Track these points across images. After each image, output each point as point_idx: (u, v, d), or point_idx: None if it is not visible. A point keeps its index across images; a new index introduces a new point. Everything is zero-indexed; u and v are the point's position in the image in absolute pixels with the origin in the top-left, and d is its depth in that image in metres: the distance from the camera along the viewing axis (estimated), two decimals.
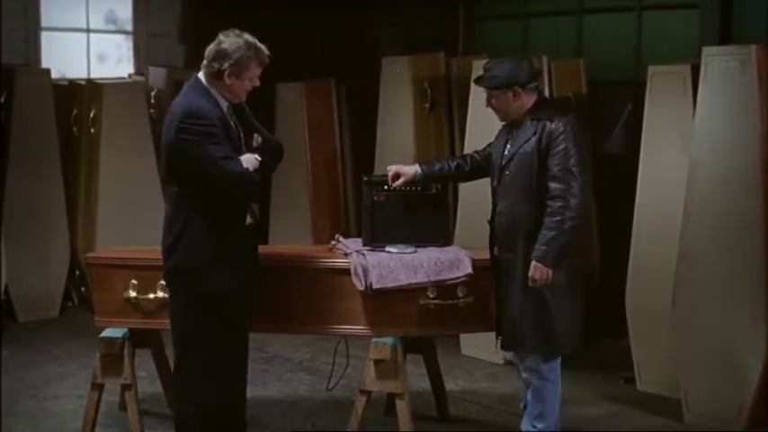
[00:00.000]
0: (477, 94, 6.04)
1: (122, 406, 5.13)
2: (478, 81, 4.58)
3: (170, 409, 5.37)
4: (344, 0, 8.44)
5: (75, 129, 7.48)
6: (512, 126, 4.54)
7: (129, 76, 8.39)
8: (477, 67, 6.26)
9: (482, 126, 5.27)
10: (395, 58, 7.32)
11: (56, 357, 6.37)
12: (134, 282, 4.84)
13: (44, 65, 7.99)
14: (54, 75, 7.63)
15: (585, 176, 4.39)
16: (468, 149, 5.65)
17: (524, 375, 4.55)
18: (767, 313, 5.00)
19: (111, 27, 8.80)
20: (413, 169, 4.80)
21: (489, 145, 4.73)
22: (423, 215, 4.90)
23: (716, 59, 5.20)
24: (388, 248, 4.80)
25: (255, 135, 4.46)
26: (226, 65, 4.22)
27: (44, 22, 8.22)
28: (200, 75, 4.32)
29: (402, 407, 4.69)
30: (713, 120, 5.23)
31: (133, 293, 4.84)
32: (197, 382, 4.36)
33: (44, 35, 8.23)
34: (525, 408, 4.65)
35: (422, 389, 5.48)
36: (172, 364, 5.35)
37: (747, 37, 5.84)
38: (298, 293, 4.75)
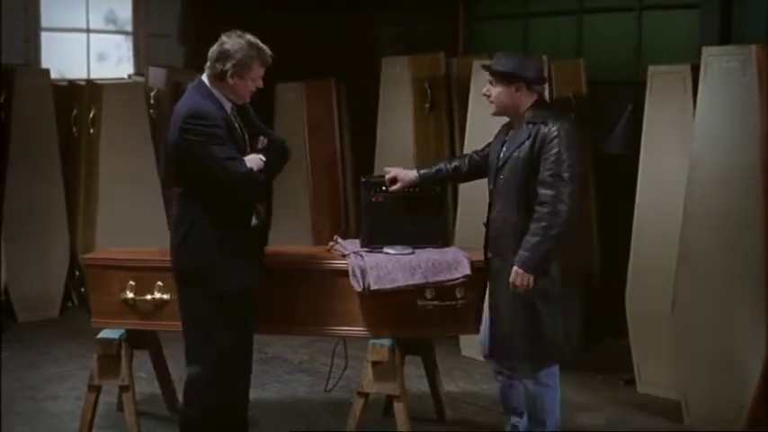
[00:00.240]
0: (478, 95, 6.02)
1: (120, 407, 5.10)
2: (486, 66, 4.48)
3: (168, 411, 5.38)
4: (344, 0, 8.42)
5: (74, 129, 7.47)
6: (509, 128, 4.51)
7: (129, 76, 8.38)
8: (477, 67, 6.28)
9: (482, 126, 5.26)
10: (395, 58, 7.31)
11: (55, 358, 6.36)
12: (131, 283, 4.83)
13: (44, 65, 7.99)
14: (54, 75, 7.63)
15: (577, 183, 4.28)
16: (467, 150, 5.63)
17: (523, 381, 4.50)
18: (767, 313, 4.98)
19: (111, 27, 8.80)
20: (410, 174, 4.78)
21: (488, 145, 4.67)
22: (421, 216, 4.88)
23: (716, 59, 5.18)
24: (386, 250, 4.79)
25: (261, 137, 4.46)
26: (228, 65, 4.23)
27: (44, 23, 8.22)
28: (204, 77, 4.33)
29: (400, 408, 4.68)
30: (713, 120, 5.21)
31: (130, 294, 4.83)
32: (205, 381, 4.35)
33: (44, 35, 8.23)
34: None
35: (420, 390, 5.47)
36: (171, 365, 5.42)
37: (747, 37, 5.82)
38: (295, 294, 4.74)
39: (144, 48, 8.74)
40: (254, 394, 4.69)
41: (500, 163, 4.42)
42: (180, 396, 5.35)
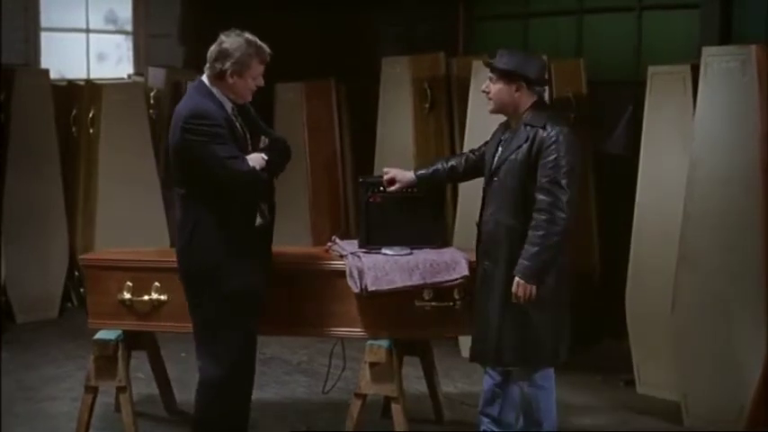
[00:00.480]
0: (477, 95, 6.00)
1: (118, 408, 5.07)
2: (488, 63, 4.44)
3: (166, 411, 5.37)
4: (344, 0, 8.41)
5: (74, 129, 7.47)
6: (506, 128, 4.48)
7: (129, 76, 8.37)
8: (477, 67, 6.28)
9: (482, 126, 5.24)
10: (395, 58, 7.29)
11: (54, 359, 6.35)
12: (128, 283, 4.81)
13: (44, 65, 7.98)
14: (54, 75, 7.63)
15: (575, 189, 4.23)
16: (467, 150, 5.61)
17: (518, 384, 4.47)
18: (767, 314, 4.96)
19: (111, 27, 8.79)
20: (408, 175, 4.75)
21: (486, 143, 4.64)
22: (419, 217, 4.86)
23: (716, 59, 5.17)
24: (383, 250, 4.76)
25: (262, 136, 4.44)
26: (228, 64, 4.22)
27: (44, 23, 8.21)
28: (204, 77, 4.32)
29: (397, 410, 4.66)
30: (713, 120, 5.19)
31: (127, 295, 4.81)
32: (219, 382, 4.35)
33: (44, 35, 8.22)
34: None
35: (419, 391, 5.46)
36: (168, 366, 5.41)
37: (748, 37, 5.81)
38: (293, 295, 4.71)
39: (144, 48, 8.74)
40: (252, 395, 4.67)
41: (495, 164, 4.39)
42: (178, 397, 5.38)
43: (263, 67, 4.32)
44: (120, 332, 4.84)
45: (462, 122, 6.66)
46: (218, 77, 4.27)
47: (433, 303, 4.67)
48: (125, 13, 8.76)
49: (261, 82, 4.34)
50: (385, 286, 4.60)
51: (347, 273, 4.64)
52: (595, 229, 6.61)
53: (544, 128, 4.26)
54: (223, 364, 4.33)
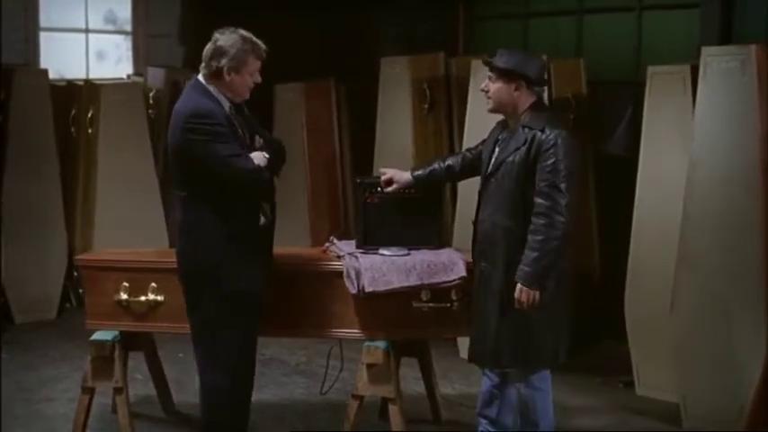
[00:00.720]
0: (477, 95, 5.99)
1: (115, 409, 5.07)
2: (487, 62, 4.42)
3: (164, 412, 5.36)
4: (344, 0, 8.40)
5: (73, 129, 7.45)
6: (504, 128, 4.45)
7: (128, 76, 8.36)
8: (476, 67, 6.26)
9: (481, 126, 5.20)
10: (394, 59, 7.28)
11: (52, 360, 6.34)
12: (125, 284, 4.80)
13: (43, 65, 7.96)
14: (53, 75, 7.62)
15: (574, 193, 4.20)
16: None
17: (515, 385, 4.45)
18: (767, 314, 4.94)
19: (111, 27, 8.78)
20: (406, 175, 4.74)
21: (483, 142, 4.62)
22: (416, 217, 4.84)
23: (715, 59, 5.15)
24: (381, 251, 4.75)
25: (257, 137, 4.42)
26: (224, 62, 4.20)
27: (43, 22, 8.19)
28: (200, 76, 4.30)
29: (394, 411, 4.65)
30: (713, 120, 5.18)
31: (124, 296, 4.80)
32: (223, 383, 4.33)
33: (43, 35, 8.20)
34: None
35: (417, 392, 5.44)
36: (166, 366, 5.39)
37: (748, 37, 5.78)
38: (290, 296, 4.70)
39: (143, 48, 8.72)
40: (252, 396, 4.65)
41: (493, 165, 4.37)
42: (175, 397, 5.36)
43: (260, 64, 4.30)
44: (116, 333, 4.83)
45: (461, 123, 6.64)
46: (214, 76, 4.24)
47: (431, 304, 4.66)
48: (124, 12, 8.75)
49: (258, 78, 4.31)
50: (382, 287, 4.58)
51: (344, 273, 4.63)
52: (595, 229, 6.59)
53: (543, 130, 4.23)
54: (223, 365, 4.32)
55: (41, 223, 7.26)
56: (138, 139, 7.37)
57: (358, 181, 4.96)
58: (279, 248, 4.63)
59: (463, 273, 4.62)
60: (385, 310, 4.66)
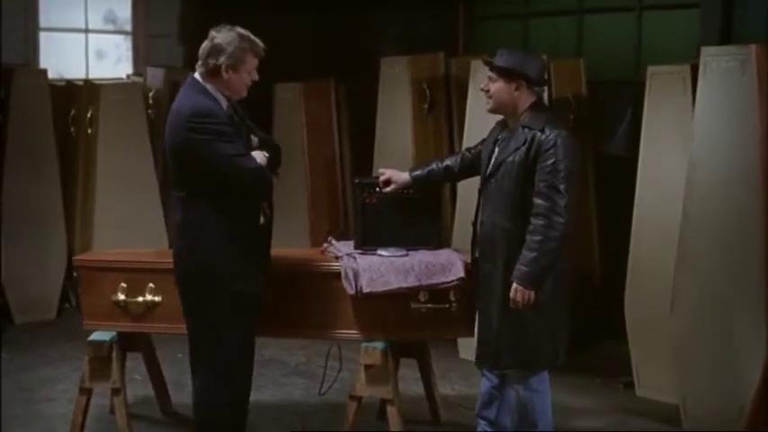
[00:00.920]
0: (476, 95, 5.98)
1: (113, 410, 5.06)
2: (488, 61, 4.40)
3: (162, 413, 5.35)
4: (344, 0, 8.39)
5: (72, 129, 7.44)
6: (503, 128, 4.44)
7: (128, 76, 8.35)
8: (476, 67, 6.25)
9: (481, 127, 5.19)
10: (393, 59, 7.27)
11: (51, 360, 6.33)
12: (123, 285, 4.79)
13: (43, 65, 7.94)
14: (53, 75, 7.61)
15: (574, 193, 4.18)
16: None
17: (514, 387, 4.44)
18: (767, 315, 4.92)
19: (110, 27, 8.76)
20: (404, 176, 4.73)
21: (482, 142, 4.61)
22: (415, 218, 4.83)
23: (715, 59, 5.13)
24: (379, 252, 4.74)
25: (252, 136, 4.40)
26: (222, 59, 4.17)
27: (43, 22, 8.17)
28: (197, 75, 4.26)
29: (392, 412, 4.64)
30: (713, 120, 5.16)
31: (122, 296, 4.79)
32: (223, 385, 4.32)
33: (43, 35, 8.18)
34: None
35: (416, 393, 5.43)
36: (165, 367, 5.38)
37: (748, 37, 5.76)
38: (288, 297, 4.68)
39: (143, 48, 8.70)
40: (250, 397, 4.64)
41: (492, 165, 4.35)
42: (174, 398, 5.35)
43: (258, 62, 4.27)
44: (114, 333, 4.82)
45: (461, 123, 6.63)
46: (212, 74, 4.21)
47: (429, 305, 4.65)
48: (124, 12, 8.73)
49: (255, 76, 4.28)
50: (380, 288, 4.57)
51: (342, 274, 4.62)
52: (595, 229, 6.58)
53: (542, 131, 4.22)
54: (223, 365, 4.30)
55: (41, 223, 7.25)
56: (138, 140, 7.36)
57: (356, 181, 4.95)
58: (277, 249, 4.62)
59: (461, 273, 4.60)
60: (383, 311, 4.65)
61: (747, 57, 5.00)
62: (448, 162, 4.74)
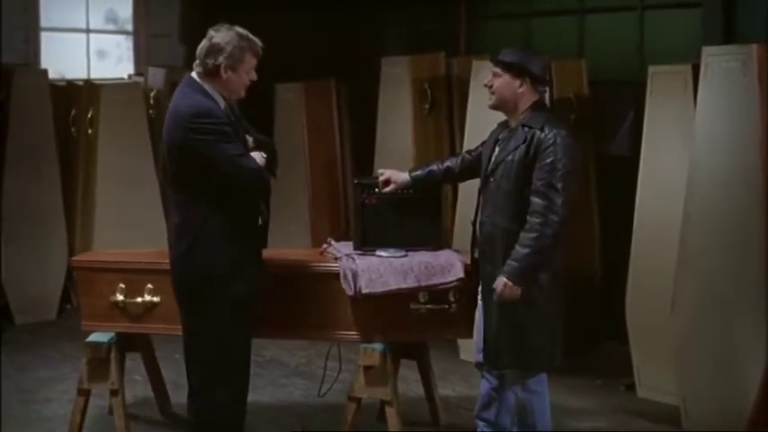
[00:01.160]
0: (477, 95, 5.97)
1: (112, 410, 5.04)
2: (493, 57, 4.40)
3: (160, 414, 5.33)
4: (346, 0, 8.37)
5: (73, 129, 7.44)
6: (504, 126, 4.43)
7: (129, 76, 8.34)
8: (477, 67, 6.23)
9: (482, 127, 5.18)
10: (394, 59, 7.26)
11: (51, 360, 6.32)
12: (121, 285, 4.78)
13: (44, 65, 7.95)
14: (54, 75, 7.61)
15: (571, 192, 4.17)
16: (465, 151, 5.56)
17: (512, 389, 4.42)
18: None
19: (112, 27, 8.76)
20: (404, 176, 4.71)
21: (483, 143, 4.60)
22: (414, 218, 4.80)
23: (716, 59, 5.11)
24: (378, 252, 4.72)
25: (247, 136, 4.39)
26: (221, 59, 4.13)
27: (44, 22, 8.18)
28: (194, 74, 4.22)
29: (391, 413, 4.62)
30: (713, 120, 5.14)
31: (120, 297, 4.78)
32: (215, 385, 4.29)
33: (44, 35, 8.19)
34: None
35: (417, 394, 5.42)
36: (164, 368, 5.37)
37: (750, 36, 5.74)
38: (287, 298, 4.66)
39: (144, 47, 8.70)
40: (248, 398, 4.63)
41: (492, 165, 4.34)
42: (173, 399, 5.33)
43: (256, 61, 4.24)
44: (112, 334, 4.81)
45: (462, 123, 6.61)
46: (210, 74, 4.17)
47: (429, 306, 4.63)
48: (125, 12, 8.73)
49: (254, 76, 4.25)
50: (379, 289, 4.55)
51: (341, 275, 4.60)
52: (597, 230, 6.56)
53: (542, 129, 4.21)
54: (222, 367, 4.28)
55: (41, 223, 7.25)
56: (139, 140, 7.35)
57: (355, 182, 4.93)
58: (276, 250, 4.61)
59: (461, 274, 4.59)
60: (382, 312, 4.63)
61: (748, 56, 4.97)
62: (448, 163, 4.73)
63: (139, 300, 4.77)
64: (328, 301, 4.65)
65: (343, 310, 4.64)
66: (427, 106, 7.06)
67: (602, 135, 6.70)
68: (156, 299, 4.76)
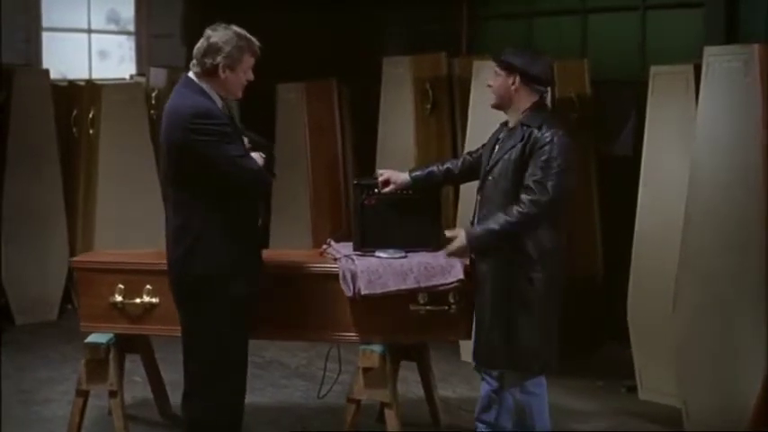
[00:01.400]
0: (479, 95, 5.95)
1: (111, 412, 5.04)
2: (495, 57, 4.41)
3: (160, 415, 5.32)
4: (347, 0, 8.36)
5: (74, 129, 7.43)
6: (504, 128, 4.43)
7: (131, 76, 8.34)
8: (479, 68, 6.21)
9: (483, 127, 5.18)
10: (396, 58, 7.25)
11: (51, 361, 6.31)
12: (120, 286, 4.76)
13: (45, 65, 7.95)
14: (55, 75, 7.60)
15: (561, 192, 4.16)
16: (466, 152, 5.55)
17: (510, 391, 4.40)
18: None
19: (113, 27, 8.76)
20: (403, 176, 4.70)
21: (483, 146, 4.60)
22: (414, 219, 4.79)
23: (718, 59, 5.08)
24: (378, 253, 4.70)
25: (243, 137, 4.37)
26: (219, 59, 4.11)
27: (45, 22, 8.18)
28: (191, 74, 4.19)
29: (390, 415, 4.60)
30: (715, 120, 5.11)
31: (119, 298, 4.76)
32: (214, 386, 4.27)
33: (45, 35, 8.19)
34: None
35: (417, 396, 5.40)
36: (163, 369, 5.35)
37: (753, 36, 5.73)
38: (286, 299, 4.64)
39: (146, 48, 8.70)
40: (247, 399, 4.62)
41: (491, 163, 4.34)
42: (172, 400, 5.32)
43: (254, 61, 4.22)
44: (111, 335, 4.79)
45: (464, 123, 6.60)
46: (208, 73, 4.14)
47: (428, 307, 4.60)
48: (127, 12, 8.73)
49: (251, 76, 4.23)
50: (378, 290, 4.53)
51: (340, 276, 4.58)
52: (598, 230, 6.54)
53: (540, 128, 4.21)
54: (221, 368, 4.26)
55: (42, 224, 7.25)
56: (140, 140, 7.34)
57: (355, 183, 4.91)
58: (276, 250, 4.59)
59: (461, 275, 4.56)
60: (382, 314, 4.60)
61: (750, 57, 4.95)
62: (448, 165, 4.73)
63: (138, 301, 4.76)
64: (327, 302, 4.63)
65: (342, 311, 4.62)
66: (429, 106, 7.05)
67: (604, 135, 6.68)
68: (154, 300, 4.74)
